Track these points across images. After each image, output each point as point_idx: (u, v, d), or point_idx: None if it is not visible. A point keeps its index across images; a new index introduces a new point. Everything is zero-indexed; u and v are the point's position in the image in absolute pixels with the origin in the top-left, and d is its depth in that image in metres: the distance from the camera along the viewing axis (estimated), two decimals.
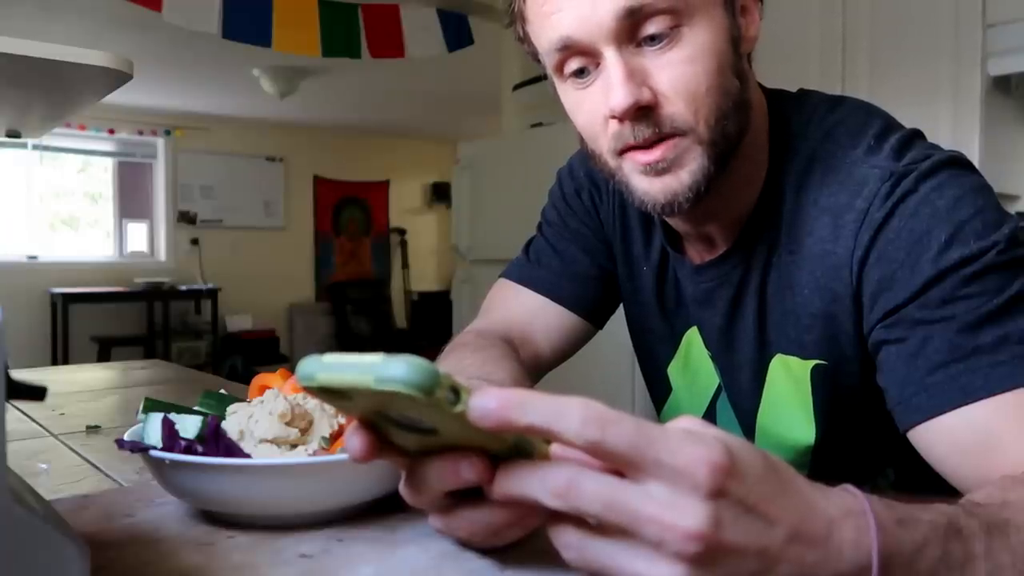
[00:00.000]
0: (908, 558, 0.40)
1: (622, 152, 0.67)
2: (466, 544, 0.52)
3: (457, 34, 3.82)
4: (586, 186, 0.91)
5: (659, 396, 0.91)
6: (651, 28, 0.62)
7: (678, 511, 0.35)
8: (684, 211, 0.68)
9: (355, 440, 0.43)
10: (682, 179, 0.66)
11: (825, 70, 2.69)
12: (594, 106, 0.67)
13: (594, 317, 0.92)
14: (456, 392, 0.36)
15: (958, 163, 0.66)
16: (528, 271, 0.93)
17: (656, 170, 0.66)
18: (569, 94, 0.69)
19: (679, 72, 0.63)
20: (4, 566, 0.38)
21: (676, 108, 0.64)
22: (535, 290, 0.91)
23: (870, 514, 0.39)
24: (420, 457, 0.45)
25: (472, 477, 0.41)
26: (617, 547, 0.36)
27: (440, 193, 7.77)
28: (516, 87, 3.84)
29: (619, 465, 0.36)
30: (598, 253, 0.91)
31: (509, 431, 0.37)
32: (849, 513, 0.39)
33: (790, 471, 0.39)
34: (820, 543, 0.37)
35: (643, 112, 0.64)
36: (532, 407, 0.35)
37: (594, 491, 0.36)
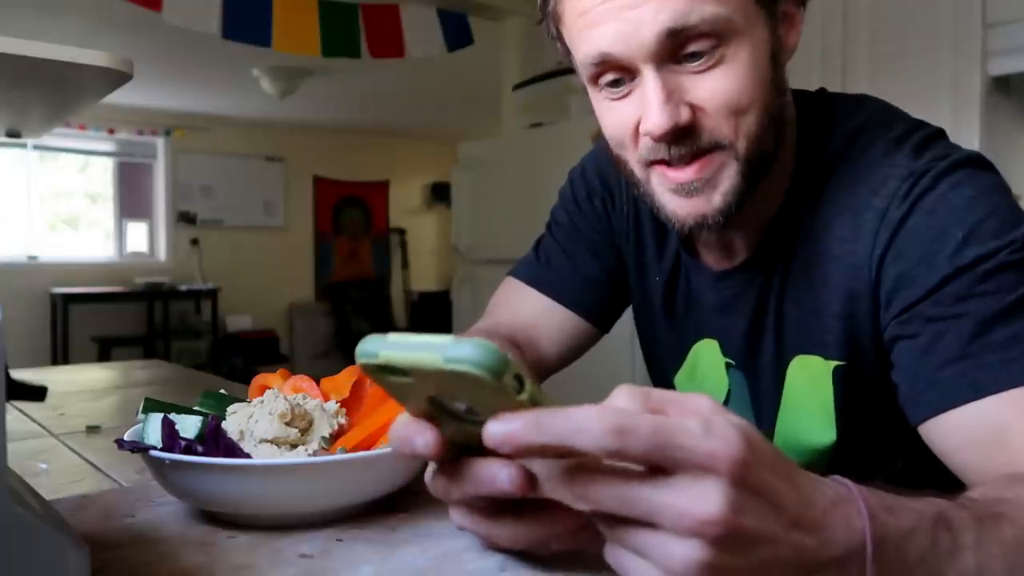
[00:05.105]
0: (895, 544, 0.41)
1: (652, 163, 0.67)
2: (488, 542, 0.52)
3: (457, 34, 3.82)
4: (598, 191, 0.90)
5: None
6: (692, 47, 0.62)
7: (697, 499, 0.36)
8: (713, 232, 0.68)
9: (428, 435, 0.42)
10: (714, 202, 0.66)
11: (825, 70, 2.69)
12: (626, 116, 0.66)
13: (600, 321, 0.92)
14: (520, 380, 0.37)
15: (977, 162, 0.66)
16: (537, 271, 0.92)
17: (688, 191, 0.65)
18: (601, 101, 0.69)
19: (720, 88, 0.63)
20: (4, 566, 0.38)
21: (715, 123, 0.63)
22: (543, 292, 0.91)
23: (860, 500, 0.41)
24: (457, 450, 0.44)
25: (508, 489, 0.40)
26: (638, 533, 0.37)
27: (440, 193, 7.76)
28: (516, 87, 3.84)
29: (642, 464, 0.37)
30: (608, 257, 0.90)
31: (529, 454, 0.37)
32: (840, 501, 0.40)
33: (791, 461, 0.40)
34: (817, 529, 0.39)
35: (683, 132, 0.63)
36: (548, 428, 0.36)
37: (618, 496, 0.37)
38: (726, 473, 0.35)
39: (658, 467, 0.36)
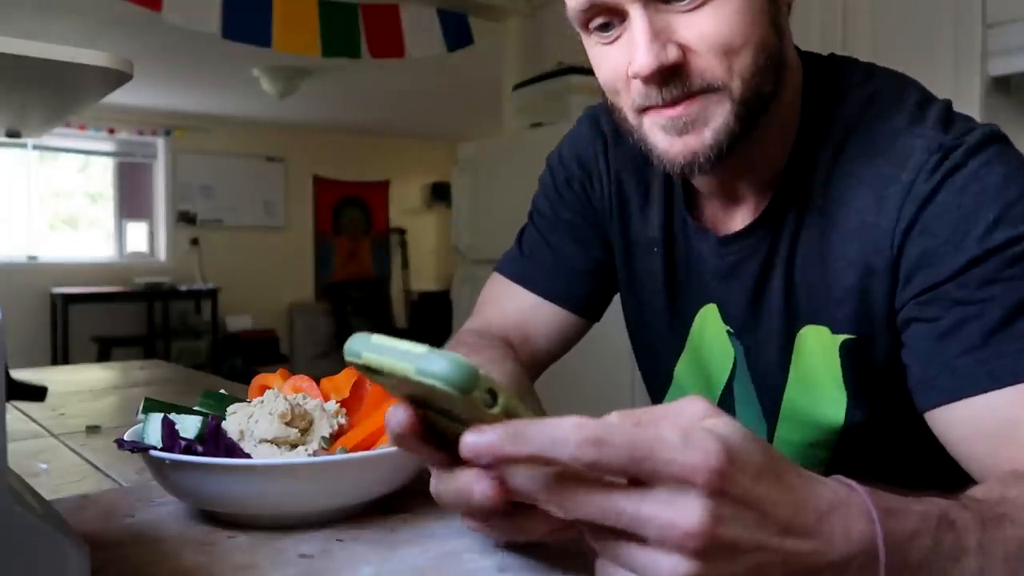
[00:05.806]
0: (897, 546, 0.40)
1: (645, 110, 0.65)
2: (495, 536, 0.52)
3: (457, 34, 3.82)
4: (577, 175, 0.88)
5: (658, 387, 0.89)
6: None
7: (678, 512, 0.35)
8: (705, 172, 0.66)
9: (400, 413, 0.42)
10: (704, 138, 0.64)
11: None
12: (617, 62, 0.65)
13: (589, 312, 0.90)
14: (494, 394, 0.37)
15: (1003, 139, 0.64)
16: (521, 267, 0.90)
17: (678, 128, 0.64)
18: (593, 47, 0.68)
19: (710, 27, 0.60)
20: (4, 566, 0.38)
21: (707, 62, 0.62)
22: (529, 289, 0.89)
23: (869, 504, 0.40)
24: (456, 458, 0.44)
25: (485, 502, 0.39)
26: (623, 546, 0.37)
27: (440, 193, 7.76)
28: (516, 87, 3.83)
29: (621, 476, 0.36)
30: (592, 243, 0.88)
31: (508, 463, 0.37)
32: (839, 504, 0.39)
33: (786, 463, 0.40)
34: (811, 534, 0.38)
35: (671, 72, 0.62)
36: (525, 439, 0.35)
37: (600, 507, 0.36)
38: (704, 485, 0.35)
39: (639, 479, 0.36)
